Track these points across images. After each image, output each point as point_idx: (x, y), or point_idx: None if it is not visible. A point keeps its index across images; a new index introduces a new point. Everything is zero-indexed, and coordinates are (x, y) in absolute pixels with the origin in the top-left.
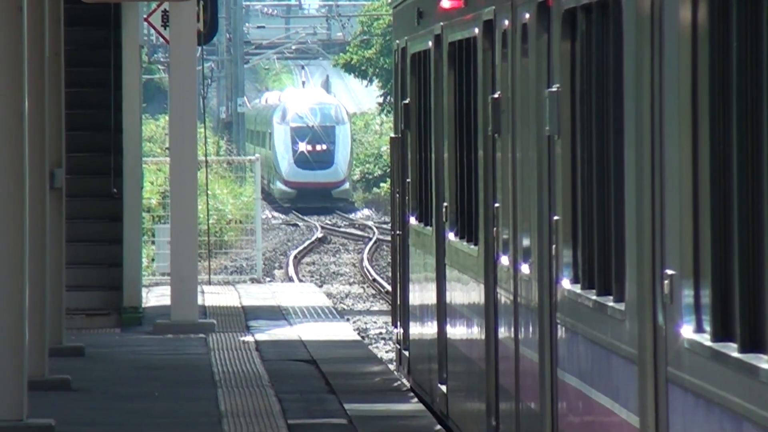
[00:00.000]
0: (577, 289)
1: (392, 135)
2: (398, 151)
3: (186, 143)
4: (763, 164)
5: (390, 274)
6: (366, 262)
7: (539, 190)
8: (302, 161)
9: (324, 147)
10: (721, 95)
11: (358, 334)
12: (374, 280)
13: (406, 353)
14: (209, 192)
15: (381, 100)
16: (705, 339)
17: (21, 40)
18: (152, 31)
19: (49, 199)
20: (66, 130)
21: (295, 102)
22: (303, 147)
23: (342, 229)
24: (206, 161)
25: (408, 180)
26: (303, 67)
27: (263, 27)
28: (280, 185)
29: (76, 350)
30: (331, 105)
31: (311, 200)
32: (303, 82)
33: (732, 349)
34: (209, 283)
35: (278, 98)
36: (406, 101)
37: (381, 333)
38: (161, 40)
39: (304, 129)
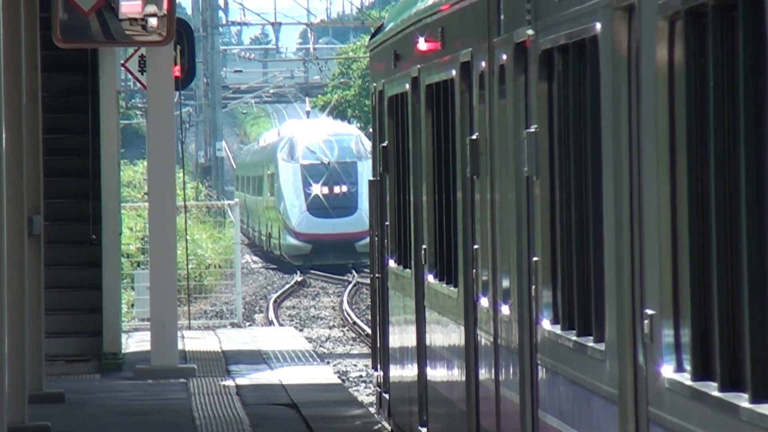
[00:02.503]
0: (557, 329)
1: (371, 178)
2: (377, 194)
3: (164, 188)
4: (740, 204)
5: (370, 317)
6: (346, 305)
7: (518, 231)
8: (317, 207)
9: (344, 189)
10: (698, 135)
11: (339, 377)
12: (354, 323)
13: (387, 396)
14: (188, 237)
15: None
16: (685, 378)
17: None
18: (129, 76)
19: (27, 246)
20: (44, 176)
21: (306, 134)
22: (318, 190)
23: (321, 273)
24: (185, 206)
25: (387, 223)
26: (307, 95)
27: (240, 71)
28: (290, 239)
29: (56, 396)
30: (351, 136)
31: (329, 256)
32: (308, 112)
33: (712, 389)
34: (189, 327)
35: (277, 135)
36: (384, 144)
37: (361, 376)
38: (138, 85)
39: (319, 167)
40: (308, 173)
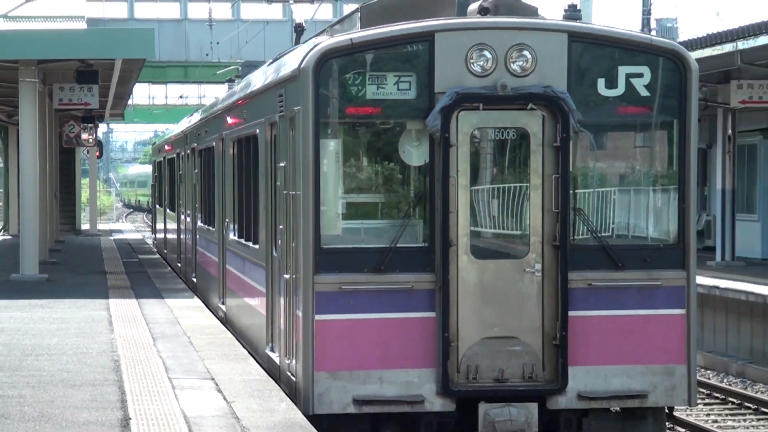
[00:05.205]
0: (234, 236)
1: (153, 184)
2: (153, 189)
3: (92, 187)
4: (252, 198)
5: (150, 222)
6: (146, 218)
7: (192, 202)
8: None
9: None
10: (239, 175)
11: (143, 238)
12: (148, 223)
13: (155, 242)
14: (99, 199)
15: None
16: (237, 237)
17: (47, 160)
18: (84, 155)
19: (53, 202)
20: (58, 181)
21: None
22: None
23: (140, 210)
24: (98, 190)
25: (156, 195)
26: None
27: (119, 152)
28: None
29: (62, 242)
30: None
31: None
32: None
33: (242, 240)
34: (99, 222)
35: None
36: (155, 175)
37: (149, 236)
38: (87, 154)
39: None
40: None
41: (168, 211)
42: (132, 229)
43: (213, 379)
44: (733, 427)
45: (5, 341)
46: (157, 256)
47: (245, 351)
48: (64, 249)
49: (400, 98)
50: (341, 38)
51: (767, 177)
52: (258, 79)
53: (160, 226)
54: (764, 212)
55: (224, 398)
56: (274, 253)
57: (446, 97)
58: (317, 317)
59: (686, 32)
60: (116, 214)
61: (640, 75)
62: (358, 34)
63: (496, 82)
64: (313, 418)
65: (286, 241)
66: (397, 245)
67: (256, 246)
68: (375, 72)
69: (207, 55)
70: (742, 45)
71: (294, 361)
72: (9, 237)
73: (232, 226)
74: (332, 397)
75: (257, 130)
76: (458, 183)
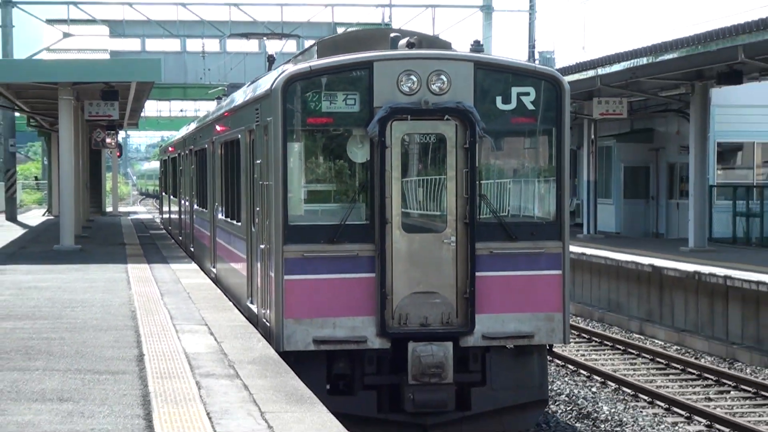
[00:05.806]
0: (222, 216)
1: (160, 177)
2: (161, 181)
3: (114, 181)
4: (235, 187)
5: (158, 206)
6: (155, 202)
7: (197, 190)
8: None
9: None
10: (225, 170)
11: (153, 218)
12: (157, 207)
13: (161, 221)
14: (119, 189)
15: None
16: (224, 217)
17: (80, 159)
18: (109, 155)
19: (84, 190)
20: (89, 177)
21: None
22: None
23: (150, 197)
24: (116, 183)
25: (162, 185)
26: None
27: (135, 153)
28: None
29: (92, 221)
30: None
31: None
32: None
33: (229, 220)
34: (119, 206)
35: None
36: (162, 170)
37: (157, 217)
38: (111, 155)
39: None
40: None
41: (172, 197)
42: (144, 211)
43: (206, 324)
44: (596, 360)
45: (49, 296)
46: (164, 231)
47: (231, 303)
48: (93, 226)
49: (348, 111)
50: (303, 66)
51: (619, 171)
52: (240, 97)
53: (165, 208)
54: (617, 198)
55: (215, 339)
56: (253, 229)
57: (382, 111)
58: (286, 277)
59: (561, 61)
60: (132, 199)
61: (528, 94)
62: (315, 62)
63: (420, 99)
64: (282, 354)
65: (261, 220)
66: (346, 222)
67: (239, 223)
68: (328, 91)
69: (201, 78)
70: (601, 71)
71: (268, 311)
72: (52, 217)
73: (220, 209)
74: (297, 338)
75: (239, 136)
76: (392, 176)
